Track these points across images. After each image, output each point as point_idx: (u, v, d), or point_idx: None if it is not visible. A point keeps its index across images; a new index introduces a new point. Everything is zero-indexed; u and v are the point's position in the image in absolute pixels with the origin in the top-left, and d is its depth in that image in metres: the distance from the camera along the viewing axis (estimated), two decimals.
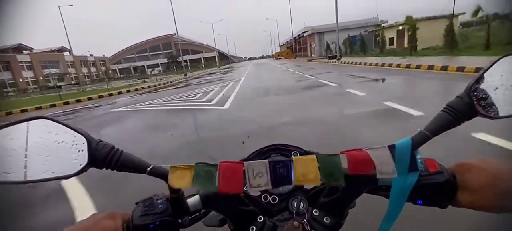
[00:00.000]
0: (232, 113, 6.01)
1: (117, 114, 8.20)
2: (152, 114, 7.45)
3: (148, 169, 0.35)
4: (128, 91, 16.58)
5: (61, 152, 0.33)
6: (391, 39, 25.25)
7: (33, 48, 48.15)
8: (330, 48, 33.77)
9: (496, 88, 0.34)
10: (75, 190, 2.76)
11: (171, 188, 0.35)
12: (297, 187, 0.42)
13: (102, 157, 0.34)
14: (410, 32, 16.54)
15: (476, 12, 13.19)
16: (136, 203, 0.37)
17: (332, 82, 8.83)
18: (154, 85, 18.36)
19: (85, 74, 55.16)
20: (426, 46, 17.83)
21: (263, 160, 0.35)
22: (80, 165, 0.33)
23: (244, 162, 0.35)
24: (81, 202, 2.56)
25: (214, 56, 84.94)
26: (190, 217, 0.40)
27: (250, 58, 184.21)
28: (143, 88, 17.53)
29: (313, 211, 0.39)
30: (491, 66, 0.34)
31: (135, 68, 78.18)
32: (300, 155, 0.44)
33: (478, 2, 12.75)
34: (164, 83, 19.43)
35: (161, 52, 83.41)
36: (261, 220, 0.39)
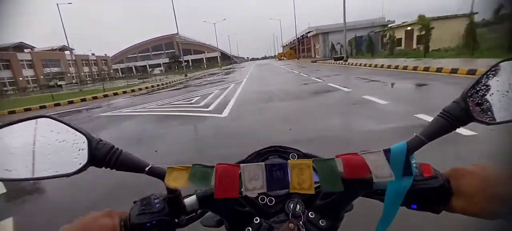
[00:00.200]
0: (231, 124, 5.17)
1: (102, 120, 7.37)
2: (140, 120, 6.57)
3: (147, 168, 0.35)
4: (125, 92, 15.93)
5: (62, 151, 0.34)
6: (399, 40, 24.21)
7: (34, 47, 48.13)
8: (335, 49, 32.83)
9: (492, 94, 0.34)
10: None
11: (168, 188, 0.36)
12: None
13: (101, 156, 0.34)
14: (422, 32, 15.57)
15: (497, 11, 12.24)
16: (134, 202, 0.37)
17: (344, 87, 7.90)
18: (152, 86, 17.71)
19: (87, 73, 54.91)
20: (436, 47, 16.81)
21: (260, 163, 0.35)
22: (80, 164, 0.33)
23: (241, 165, 0.35)
24: None
25: (216, 57, 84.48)
26: (187, 217, 0.39)
27: (253, 59, 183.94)
28: (140, 89, 16.91)
29: (309, 214, 0.39)
30: (487, 71, 0.34)
31: (136, 68, 77.81)
32: (298, 157, 0.45)
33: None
34: (163, 84, 18.91)
35: (163, 52, 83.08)
36: (257, 222, 0.39)
